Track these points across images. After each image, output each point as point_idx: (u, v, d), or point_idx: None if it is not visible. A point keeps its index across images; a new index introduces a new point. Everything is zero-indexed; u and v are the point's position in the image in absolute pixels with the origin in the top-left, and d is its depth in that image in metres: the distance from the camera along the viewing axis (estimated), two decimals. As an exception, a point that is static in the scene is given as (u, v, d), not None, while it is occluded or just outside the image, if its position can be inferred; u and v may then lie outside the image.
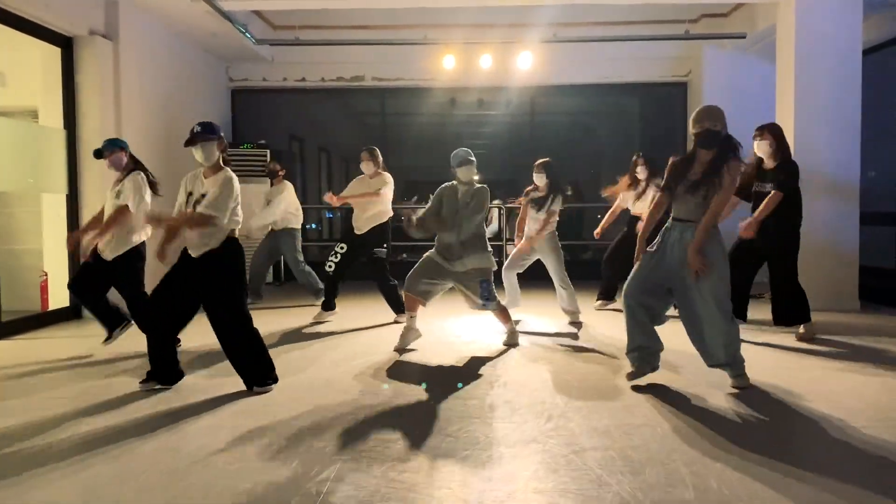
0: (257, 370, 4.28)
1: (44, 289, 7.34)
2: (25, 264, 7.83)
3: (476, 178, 5.55)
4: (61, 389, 4.40)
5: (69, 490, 2.85)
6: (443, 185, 5.54)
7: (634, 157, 7.48)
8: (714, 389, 4.23)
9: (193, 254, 4.22)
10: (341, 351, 5.50)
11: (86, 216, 7.04)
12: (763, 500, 2.68)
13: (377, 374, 4.72)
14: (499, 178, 17.65)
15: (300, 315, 7.20)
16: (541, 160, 6.81)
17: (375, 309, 7.21)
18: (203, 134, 4.26)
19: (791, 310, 5.73)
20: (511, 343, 5.66)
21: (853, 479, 2.89)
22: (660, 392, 4.19)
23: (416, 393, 4.23)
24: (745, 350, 4.38)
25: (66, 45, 7.17)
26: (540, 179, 6.72)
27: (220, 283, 4.21)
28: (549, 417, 3.70)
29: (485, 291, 5.34)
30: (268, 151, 10.23)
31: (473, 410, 3.86)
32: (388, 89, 11.06)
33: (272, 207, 7.83)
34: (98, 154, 5.51)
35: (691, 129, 4.26)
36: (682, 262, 4.14)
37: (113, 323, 5.47)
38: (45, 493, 2.83)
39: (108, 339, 5.47)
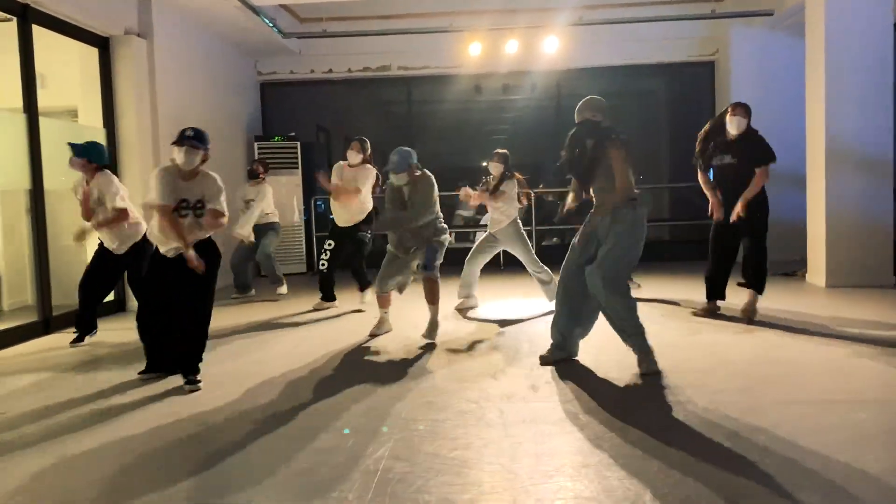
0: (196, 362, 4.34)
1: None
2: (70, 260, 8.06)
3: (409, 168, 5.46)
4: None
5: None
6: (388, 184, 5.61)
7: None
8: (745, 366, 4.30)
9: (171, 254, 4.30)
10: (360, 338, 5.63)
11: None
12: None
13: (411, 361, 4.84)
14: (523, 162, 17.73)
15: (297, 306, 7.37)
16: (499, 150, 6.82)
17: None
18: (192, 140, 4.33)
19: (758, 274, 5.78)
20: (428, 337, 5.34)
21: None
22: (688, 368, 4.27)
23: (458, 375, 4.35)
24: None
25: (103, 45, 7.35)
26: (496, 169, 6.74)
27: (202, 277, 4.27)
28: (591, 396, 3.80)
29: (429, 254, 5.36)
30: (298, 144, 10.39)
31: (517, 391, 3.97)
32: (413, 78, 11.14)
33: (252, 211, 8.02)
34: (71, 145, 5.63)
35: (576, 119, 4.60)
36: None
37: (88, 328, 5.80)
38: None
39: (77, 341, 5.73)
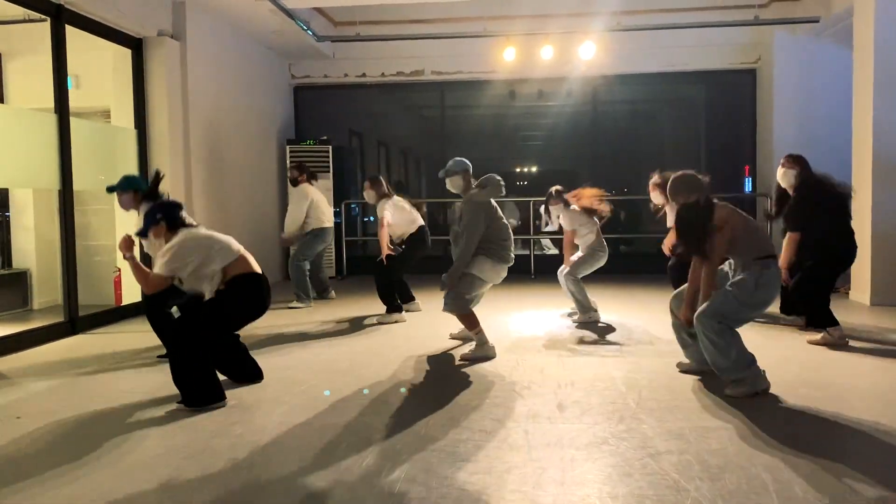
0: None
1: (117, 284, 7.58)
2: (100, 260, 8.10)
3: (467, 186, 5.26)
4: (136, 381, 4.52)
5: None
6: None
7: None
8: (787, 388, 4.07)
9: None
10: (401, 349, 5.51)
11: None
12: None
13: (434, 375, 4.70)
14: (558, 167, 17.49)
15: (357, 308, 7.25)
16: (551, 190, 6.87)
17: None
18: (145, 224, 4.18)
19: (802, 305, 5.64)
20: (472, 358, 5.04)
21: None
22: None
23: (482, 391, 4.20)
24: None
25: (136, 46, 7.36)
26: (556, 209, 6.80)
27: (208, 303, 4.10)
28: (621, 419, 3.62)
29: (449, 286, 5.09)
30: (330, 147, 10.33)
31: (542, 410, 3.80)
32: (447, 83, 11.02)
33: (291, 213, 7.81)
34: (110, 189, 5.12)
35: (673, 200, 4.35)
36: None
37: None
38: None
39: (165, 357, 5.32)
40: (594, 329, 6.16)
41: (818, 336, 5.40)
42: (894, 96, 7.16)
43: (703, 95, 12.15)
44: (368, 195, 7.01)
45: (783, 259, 5.39)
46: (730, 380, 4.03)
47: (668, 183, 4.35)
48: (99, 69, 7.70)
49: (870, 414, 3.65)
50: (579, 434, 3.41)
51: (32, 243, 8.00)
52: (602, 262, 6.64)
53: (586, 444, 3.26)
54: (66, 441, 3.49)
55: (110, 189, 5.08)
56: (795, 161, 5.55)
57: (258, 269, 4.27)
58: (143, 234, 4.24)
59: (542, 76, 10.58)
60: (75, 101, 7.62)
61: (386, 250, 6.70)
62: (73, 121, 6.37)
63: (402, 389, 4.20)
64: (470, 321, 5.15)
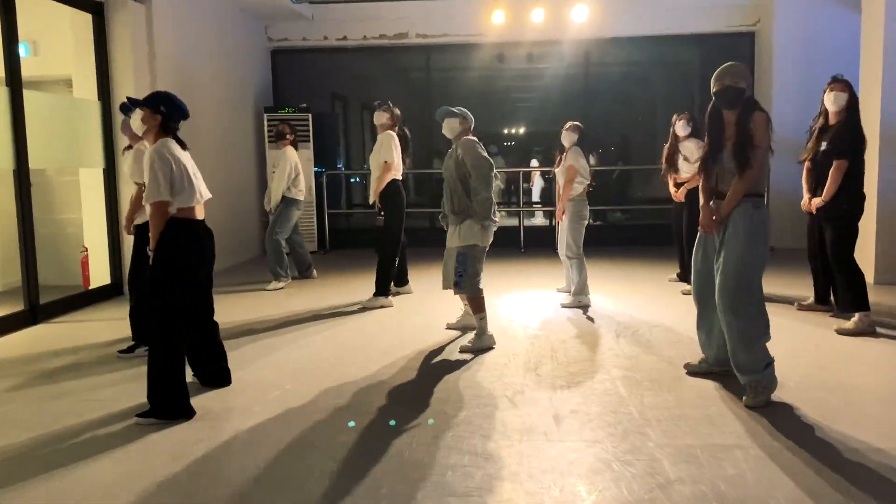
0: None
1: (85, 265, 7.16)
2: (66, 234, 7.67)
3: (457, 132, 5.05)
4: (100, 390, 4.16)
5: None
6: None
7: (674, 117, 6.79)
8: (799, 392, 3.77)
9: None
10: (386, 343, 5.17)
11: (124, 191, 6.80)
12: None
13: (420, 377, 4.37)
14: (549, 131, 17.05)
15: (340, 290, 6.89)
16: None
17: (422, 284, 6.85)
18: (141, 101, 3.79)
19: (842, 292, 5.18)
20: (473, 349, 4.78)
21: None
22: (739, 394, 3.75)
23: (473, 399, 3.87)
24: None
25: (96, 10, 6.83)
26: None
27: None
28: (625, 434, 3.29)
29: (459, 266, 4.81)
30: (310, 115, 9.84)
31: (537, 423, 3.48)
32: (433, 45, 10.50)
33: (279, 178, 7.30)
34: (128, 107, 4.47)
35: (712, 88, 3.79)
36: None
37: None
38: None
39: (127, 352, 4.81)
40: (587, 317, 5.83)
41: (849, 324, 5.04)
42: (905, 64, 6.77)
43: (699, 59, 11.70)
44: (381, 118, 6.39)
45: (828, 191, 5.05)
46: (749, 385, 3.67)
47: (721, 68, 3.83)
48: (59, 34, 7.16)
49: (893, 424, 3.35)
50: (579, 456, 3.08)
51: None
52: (587, 219, 6.28)
53: (588, 471, 2.93)
54: (1, 467, 3.13)
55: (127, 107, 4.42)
56: (847, 85, 5.14)
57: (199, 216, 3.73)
58: (129, 105, 3.89)
59: (532, 39, 10.08)
60: (34, 69, 7.13)
61: (375, 196, 6.27)
62: (28, 94, 5.87)
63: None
64: (479, 304, 4.87)
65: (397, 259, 6.46)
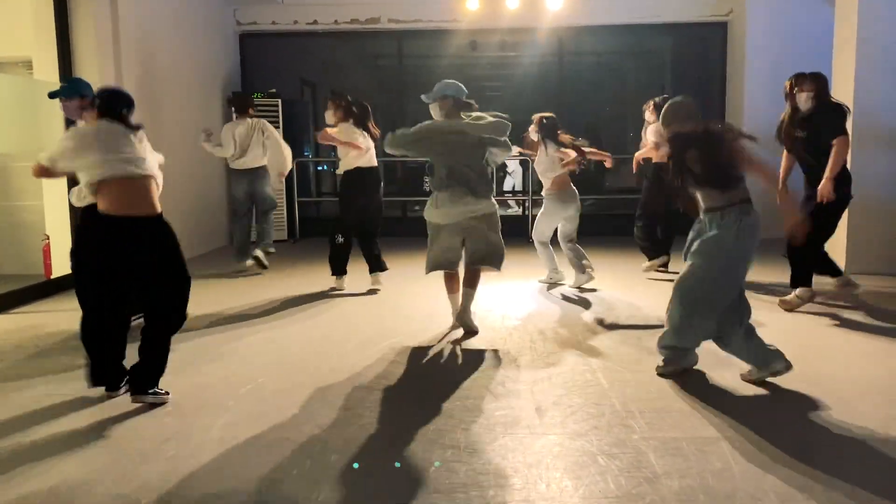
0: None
1: (46, 253, 6.92)
2: (25, 221, 7.40)
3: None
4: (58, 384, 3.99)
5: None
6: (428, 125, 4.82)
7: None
8: (780, 382, 3.75)
9: None
10: (362, 334, 5.06)
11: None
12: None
13: (401, 364, 4.28)
14: (525, 119, 17.03)
15: (311, 278, 6.75)
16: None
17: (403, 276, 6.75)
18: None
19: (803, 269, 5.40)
20: (462, 323, 4.89)
21: None
22: (722, 386, 3.73)
23: (453, 391, 3.78)
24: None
25: (57, -12, 6.57)
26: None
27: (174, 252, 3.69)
28: (609, 427, 3.24)
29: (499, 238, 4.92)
30: (279, 101, 9.64)
31: (520, 415, 3.40)
32: (405, 31, 10.35)
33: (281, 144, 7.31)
34: (53, 94, 4.38)
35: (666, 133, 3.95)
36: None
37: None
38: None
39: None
40: (564, 306, 5.78)
41: (792, 297, 5.33)
42: (877, 59, 6.81)
43: (671, 49, 11.74)
44: (329, 117, 6.31)
45: (834, 169, 5.12)
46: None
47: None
48: (18, 13, 6.88)
49: (876, 416, 3.34)
50: (564, 449, 3.02)
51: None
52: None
53: (573, 465, 2.87)
54: (-32, 466, 2.97)
55: (53, 94, 4.35)
56: (814, 81, 5.24)
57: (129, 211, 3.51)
58: (64, 92, 3.91)
59: (506, 26, 9.99)
60: (-9, 49, 6.86)
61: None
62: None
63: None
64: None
65: (342, 243, 6.31)
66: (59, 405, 3.62)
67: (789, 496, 2.59)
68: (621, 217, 10.57)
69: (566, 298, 6.02)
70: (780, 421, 3.32)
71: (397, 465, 2.88)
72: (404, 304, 5.83)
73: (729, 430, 3.19)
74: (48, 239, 6.93)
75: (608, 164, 6.53)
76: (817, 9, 8.84)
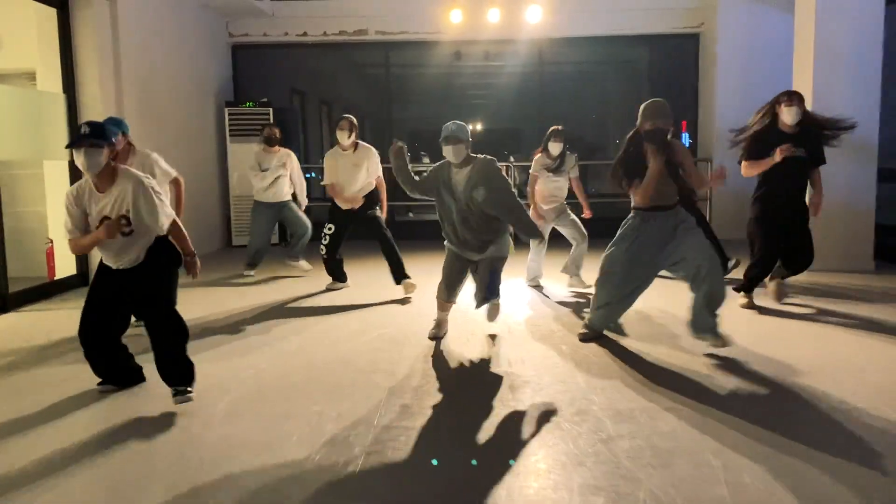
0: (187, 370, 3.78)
1: (50, 256, 7.27)
2: (30, 227, 7.73)
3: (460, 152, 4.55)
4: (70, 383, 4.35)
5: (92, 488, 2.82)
6: (438, 165, 4.68)
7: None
8: (735, 363, 4.18)
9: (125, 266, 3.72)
10: (351, 326, 5.45)
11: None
12: (801, 497, 2.64)
13: (385, 355, 4.67)
14: (506, 127, 17.49)
15: (306, 283, 7.13)
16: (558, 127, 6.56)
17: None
18: (89, 138, 3.50)
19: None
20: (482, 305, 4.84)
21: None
22: (676, 366, 4.14)
23: (434, 372, 4.18)
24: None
25: (61, 5, 6.93)
26: (556, 148, 6.48)
27: (157, 281, 3.77)
28: (572, 401, 3.65)
29: (493, 279, 4.68)
30: (270, 110, 10.02)
31: (493, 392, 3.81)
32: (392, 42, 10.77)
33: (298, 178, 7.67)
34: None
35: (643, 124, 4.44)
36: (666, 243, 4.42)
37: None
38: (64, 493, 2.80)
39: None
40: (539, 300, 6.19)
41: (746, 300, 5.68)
42: (833, 68, 7.26)
43: (646, 59, 12.21)
44: (343, 138, 6.35)
45: (819, 196, 5.59)
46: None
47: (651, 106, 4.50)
48: (23, 28, 7.24)
49: (818, 389, 3.76)
50: (532, 418, 3.43)
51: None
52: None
53: (541, 431, 3.27)
54: None
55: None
56: (801, 98, 5.45)
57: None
58: (106, 137, 3.54)
59: (488, 38, 10.43)
60: (-2, 62, 7.21)
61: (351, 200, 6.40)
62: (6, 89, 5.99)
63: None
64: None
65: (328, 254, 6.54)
66: (78, 386, 3.98)
67: (721, 451, 3.01)
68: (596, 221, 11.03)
69: (548, 296, 6.43)
70: (727, 394, 3.73)
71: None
72: (394, 297, 6.22)
73: (679, 402, 3.60)
74: (51, 242, 7.28)
75: (586, 215, 6.71)
76: (783, 20, 9.33)
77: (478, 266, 4.73)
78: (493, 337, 4.94)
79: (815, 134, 5.48)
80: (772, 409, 3.52)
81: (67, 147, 3.71)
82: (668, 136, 4.43)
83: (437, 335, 4.91)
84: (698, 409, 3.50)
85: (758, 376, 4.00)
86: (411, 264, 6.63)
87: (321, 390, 3.89)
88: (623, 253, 4.45)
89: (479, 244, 4.60)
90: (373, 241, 6.50)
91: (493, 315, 5.09)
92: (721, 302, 4.38)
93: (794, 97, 5.42)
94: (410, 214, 11.98)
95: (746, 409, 3.51)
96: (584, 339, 4.75)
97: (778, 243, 5.54)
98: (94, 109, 7.08)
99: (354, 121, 6.43)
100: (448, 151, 4.49)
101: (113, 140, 3.70)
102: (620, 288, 4.52)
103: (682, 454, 2.99)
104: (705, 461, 2.92)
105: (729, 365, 4.20)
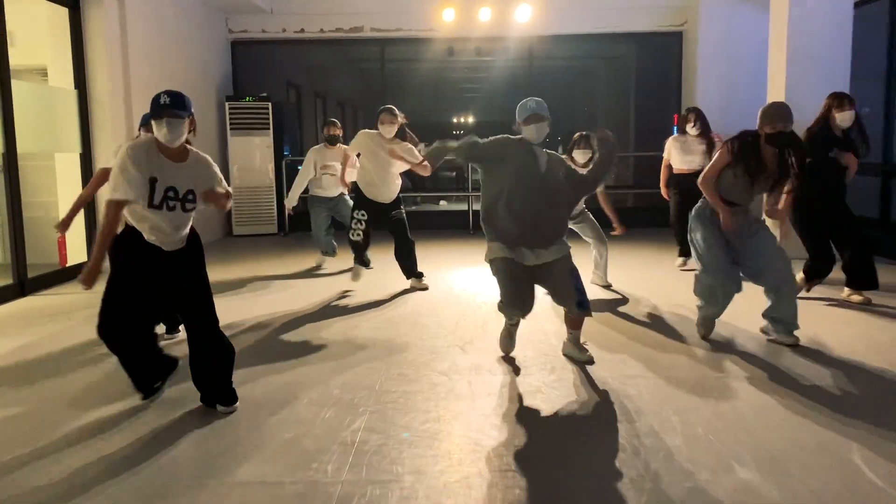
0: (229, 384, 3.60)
1: (61, 245, 7.63)
2: (40, 216, 8.08)
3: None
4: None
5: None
6: (508, 137, 4.20)
7: (686, 113, 7.34)
8: (701, 341, 4.61)
9: (169, 248, 3.50)
10: (356, 301, 5.85)
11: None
12: (744, 444, 3.07)
13: (384, 334, 5.08)
14: (497, 119, 17.90)
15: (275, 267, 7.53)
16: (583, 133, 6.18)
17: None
18: (172, 109, 3.30)
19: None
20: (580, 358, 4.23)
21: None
22: (654, 346, 4.57)
23: (429, 347, 4.59)
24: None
25: (73, 5, 7.28)
26: (583, 156, 6.02)
27: (197, 274, 3.57)
28: (552, 370, 4.08)
29: (578, 282, 4.09)
30: (269, 104, 10.39)
31: (483, 363, 4.23)
32: (387, 39, 11.14)
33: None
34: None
35: (766, 127, 4.30)
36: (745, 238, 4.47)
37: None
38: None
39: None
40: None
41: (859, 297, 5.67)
42: (805, 60, 7.65)
43: (634, 55, 12.62)
44: (387, 131, 6.16)
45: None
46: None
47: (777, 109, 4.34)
48: (33, 25, 7.58)
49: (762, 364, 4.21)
50: (516, 384, 3.85)
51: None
52: None
53: (523, 393, 3.70)
54: (39, 418, 3.73)
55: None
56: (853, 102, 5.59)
57: None
58: (186, 108, 3.36)
59: (480, 35, 10.82)
60: (10, 59, 7.53)
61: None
62: (14, 83, 6.34)
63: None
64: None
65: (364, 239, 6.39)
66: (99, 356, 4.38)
67: (681, 408, 3.45)
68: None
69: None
70: (691, 365, 4.17)
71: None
72: (385, 284, 6.63)
73: (647, 371, 4.03)
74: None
75: (618, 231, 6.38)
76: (761, 20, 9.72)
77: (544, 269, 4.08)
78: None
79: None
80: (728, 375, 3.95)
81: (148, 118, 3.62)
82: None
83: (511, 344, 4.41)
84: (664, 376, 3.94)
85: (720, 349, 4.44)
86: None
87: (328, 363, 4.29)
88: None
89: (551, 235, 4.07)
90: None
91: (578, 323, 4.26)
92: None
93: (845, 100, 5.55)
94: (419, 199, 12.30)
95: (704, 376, 3.94)
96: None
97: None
98: (104, 105, 7.45)
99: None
100: (531, 131, 4.08)
101: (192, 112, 3.45)
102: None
103: (646, 413, 3.42)
104: (666, 418, 3.36)
105: (697, 342, 4.63)
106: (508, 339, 4.41)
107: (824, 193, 5.52)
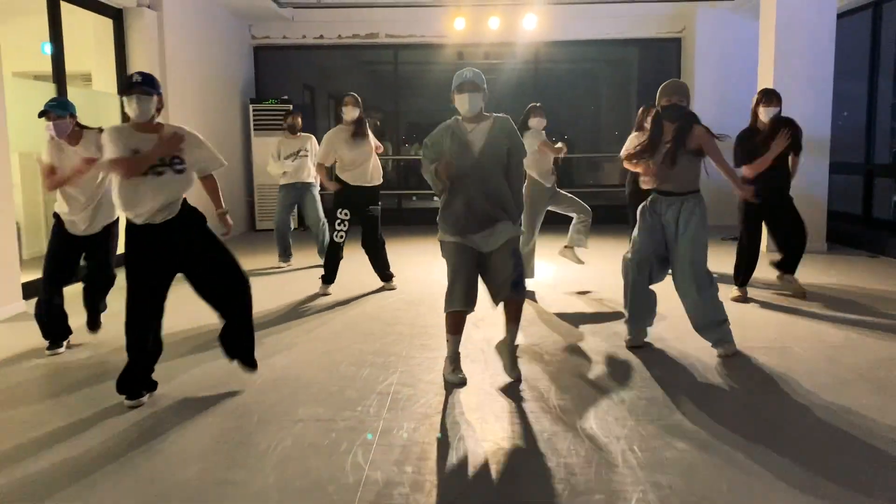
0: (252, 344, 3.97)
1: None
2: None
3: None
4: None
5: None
6: (441, 126, 4.02)
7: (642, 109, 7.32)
8: (675, 342, 5.23)
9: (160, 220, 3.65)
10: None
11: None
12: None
13: (403, 314, 5.72)
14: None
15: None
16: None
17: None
18: (141, 86, 3.61)
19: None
20: (510, 373, 4.05)
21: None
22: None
23: (416, 336, 5.21)
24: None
25: (116, 16, 7.95)
26: (539, 123, 6.39)
27: (210, 239, 3.84)
28: (552, 329, 4.72)
29: (517, 263, 3.91)
30: (290, 106, 11.03)
31: (495, 336, 4.82)
32: (401, 45, 11.79)
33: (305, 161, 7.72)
34: (42, 114, 4.56)
35: (660, 102, 4.46)
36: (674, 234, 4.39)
37: (63, 331, 4.81)
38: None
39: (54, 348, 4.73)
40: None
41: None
42: (791, 70, 8.28)
43: (636, 59, 13.23)
44: (350, 112, 6.29)
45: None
46: (718, 341, 4.44)
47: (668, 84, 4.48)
48: (78, 34, 8.22)
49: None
50: (521, 350, 4.48)
51: (20, 197, 8.58)
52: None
53: (527, 357, 4.33)
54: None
55: (54, 107, 4.50)
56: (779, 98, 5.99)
57: None
58: (155, 87, 3.68)
59: (489, 41, 11.46)
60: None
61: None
62: (69, 90, 7.00)
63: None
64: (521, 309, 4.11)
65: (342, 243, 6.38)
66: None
67: (661, 401, 4.07)
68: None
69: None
70: (662, 367, 4.79)
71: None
72: (403, 273, 7.25)
73: (615, 360, 4.59)
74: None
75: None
76: (752, 26, 10.34)
77: (490, 256, 3.91)
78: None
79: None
80: (697, 374, 4.57)
81: (119, 93, 3.80)
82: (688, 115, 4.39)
83: (457, 378, 3.96)
84: (632, 365, 4.56)
85: (690, 354, 5.06)
86: (416, 250, 7.64)
87: (358, 336, 4.94)
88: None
89: (494, 214, 3.87)
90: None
91: (516, 314, 4.05)
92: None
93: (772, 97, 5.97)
94: (414, 198, 12.96)
95: (677, 377, 4.57)
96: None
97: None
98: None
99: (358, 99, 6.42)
100: (462, 100, 3.88)
101: (160, 92, 3.73)
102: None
103: (611, 395, 4.05)
104: (619, 402, 3.98)
105: (674, 345, 5.25)
106: (454, 362, 4.02)
107: (766, 182, 5.77)
